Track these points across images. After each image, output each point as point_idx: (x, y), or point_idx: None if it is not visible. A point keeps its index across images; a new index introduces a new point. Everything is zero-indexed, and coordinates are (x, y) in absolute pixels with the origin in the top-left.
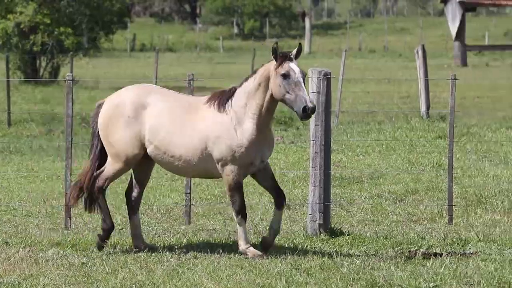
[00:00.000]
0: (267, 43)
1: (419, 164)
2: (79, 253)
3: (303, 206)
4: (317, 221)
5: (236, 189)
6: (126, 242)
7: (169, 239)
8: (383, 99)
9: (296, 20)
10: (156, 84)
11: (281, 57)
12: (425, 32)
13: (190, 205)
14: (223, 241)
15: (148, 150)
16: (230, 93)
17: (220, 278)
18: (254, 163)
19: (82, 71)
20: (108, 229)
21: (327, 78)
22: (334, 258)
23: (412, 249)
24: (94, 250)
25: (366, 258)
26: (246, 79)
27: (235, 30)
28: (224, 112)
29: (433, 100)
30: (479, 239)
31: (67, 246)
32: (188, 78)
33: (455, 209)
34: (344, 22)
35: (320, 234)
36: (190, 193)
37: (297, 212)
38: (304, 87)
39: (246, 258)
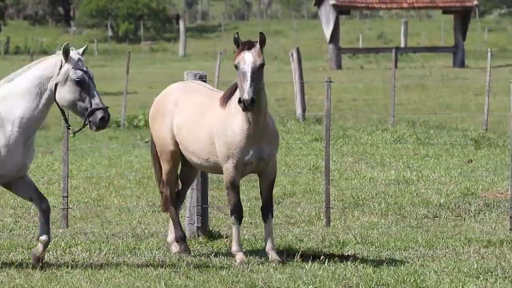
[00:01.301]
0: (142, 45)
1: (296, 166)
2: None
3: (181, 209)
4: (195, 224)
5: (231, 188)
6: (4, 245)
7: None
8: None
9: (170, 23)
10: None
11: (240, 47)
12: (299, 34)
13: (67, 208)
14: (102, 244)
15: (179, 146)
16: (234, 88)
17: (99, 281)
18: (250, 160)
19: None
20: (180, 237)
21: (202, 80)
22: (212, 261)
23: (290, 252)
24: None
25: (245, 260)
26: None
27: (110, 32)
28: (224, 106)
29: (309, 103)
30: (357, 241)
31: None
32: None
33: (333, 212)
34: (218, 25)
35: (198, 236)
36: (67, 196)
37: None
38: (249, 78)
39: (123, 263)
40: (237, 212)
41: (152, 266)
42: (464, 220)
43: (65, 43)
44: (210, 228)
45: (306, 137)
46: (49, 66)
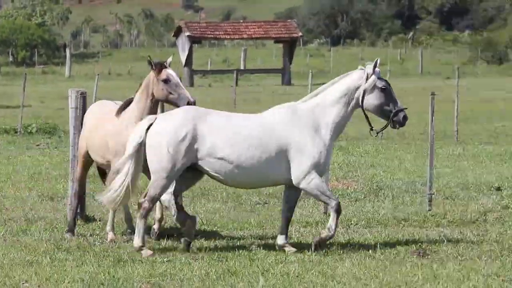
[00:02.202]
0: (36, 69)
1: None
2: None
3: (64, 198)
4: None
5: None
6: None
7: None
8: None
9: (59, 50)
10: None
11: (158, 66)
12: (161, 59)
13: None
14: (0, 227)
15: None
16: (128, 101)
17: None
18: None
19: None
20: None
21: (83, 96)
22: (88, 239)
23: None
24: None
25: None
26: (136, 92)
27: (11, 58)
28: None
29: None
30: (203, 223)
31: None
32: None
33: (184, 199)
34: (97, 52)
35: (77, 220)
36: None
37: (59, 203)
38: (183, 87)
39: (17, 241)
40: None
41: (40, 244)
42: None
43: (376, 59)
44: (87, 213)
45: None
46: (355, 79)
